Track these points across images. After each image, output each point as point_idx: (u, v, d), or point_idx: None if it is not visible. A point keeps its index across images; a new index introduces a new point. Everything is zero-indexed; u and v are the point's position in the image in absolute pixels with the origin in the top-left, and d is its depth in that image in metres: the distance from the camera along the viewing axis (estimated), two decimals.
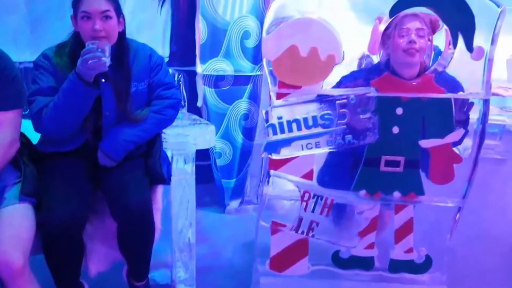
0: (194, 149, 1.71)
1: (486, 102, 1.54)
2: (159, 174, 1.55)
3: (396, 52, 1.53)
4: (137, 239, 1.45)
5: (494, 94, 4.79)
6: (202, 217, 2.42)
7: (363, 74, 1.61)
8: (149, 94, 1.56)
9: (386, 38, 1.54)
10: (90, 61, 1.33)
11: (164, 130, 1.61)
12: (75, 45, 1.44)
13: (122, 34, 1.49)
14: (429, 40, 1.53)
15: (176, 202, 1.74)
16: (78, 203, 1.39)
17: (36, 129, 1.47)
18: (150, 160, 1.57)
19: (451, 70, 1.55)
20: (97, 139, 1.50)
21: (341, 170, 1.71)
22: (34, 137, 1.54)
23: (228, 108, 2.53)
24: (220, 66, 2.44)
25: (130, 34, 1.54)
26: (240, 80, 2.50)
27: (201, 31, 2.35)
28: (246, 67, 2.48)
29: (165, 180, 1.57)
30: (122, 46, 1.49)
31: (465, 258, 2.01)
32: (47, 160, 1.50)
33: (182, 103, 2.07)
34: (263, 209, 1.70)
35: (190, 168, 1.71)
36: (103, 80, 1.43)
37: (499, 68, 5.15)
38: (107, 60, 1.35)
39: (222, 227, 2.48)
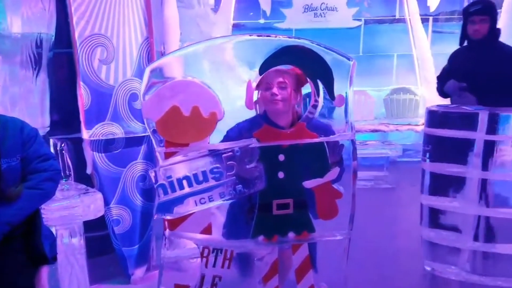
0: (81, 221, 1.61)
1: (352, 142, 1.74)
2: (41, 253, 1.44)
3: (265, 104, 1.69)
4: None
5: (377, 130, 5.46)
6: None
7: (247, 126, 1.71)
8: (24, 169, 1.46)
9: (258, 93, 1.69)
10: None
11: (44, 205, 1.50)
12: None
13: None
14: (295, 91, 1.71)
15: (66, 281, 1.59)
16: None
17: None
18: (30, 239, 1.44)
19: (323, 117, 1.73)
20: None
21: (239, 220, 1.75)
22: None
23: (122, 171, 2.45)
24: (109, 129, 2.38)
25: (4, 108, 1.46)
26: (132, 141, 2.46)
27: (83, 97, 2.30)
28: (137, 128, 2.46)
29: (48, 259, 1.45)
30: None
31: (363, 283, 2.15)
32: None
33: (67, 172, 1.95)
34: (162, 274, 1.64)
35: (78, 242, 1.60)
36: None
37: (379, 107, 5.88)
38: None
39: None
